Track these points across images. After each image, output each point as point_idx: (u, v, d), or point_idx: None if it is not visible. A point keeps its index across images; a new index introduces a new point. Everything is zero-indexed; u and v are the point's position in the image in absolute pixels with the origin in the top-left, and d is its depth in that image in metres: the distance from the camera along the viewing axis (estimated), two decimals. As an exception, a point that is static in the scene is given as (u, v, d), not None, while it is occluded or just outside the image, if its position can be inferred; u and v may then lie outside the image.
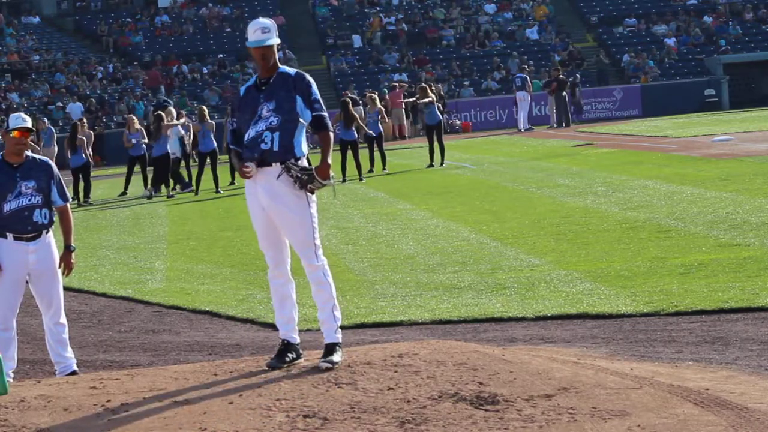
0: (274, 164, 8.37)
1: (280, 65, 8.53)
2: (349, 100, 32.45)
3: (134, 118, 32.80)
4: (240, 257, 17.91)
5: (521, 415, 7.22)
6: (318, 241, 8.46)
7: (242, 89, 8.63)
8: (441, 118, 33.59)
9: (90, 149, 31.61)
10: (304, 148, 8.49)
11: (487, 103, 54.24)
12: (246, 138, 8.44)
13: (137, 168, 31.48)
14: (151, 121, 31.10)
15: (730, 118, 44.04)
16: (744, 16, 60.94)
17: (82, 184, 30.39)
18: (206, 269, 17.05)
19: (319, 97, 8.49)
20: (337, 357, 8.36)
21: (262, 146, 8.34)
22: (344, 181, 29.53)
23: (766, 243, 14.67)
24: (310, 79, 8.54)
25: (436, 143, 32.22)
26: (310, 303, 13.20)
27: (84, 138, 30.67)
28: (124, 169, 32.85)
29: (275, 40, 8.44)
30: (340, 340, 8.50)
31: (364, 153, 32.08)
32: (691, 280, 12.82)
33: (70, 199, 10.21)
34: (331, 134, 8.54)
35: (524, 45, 60.09)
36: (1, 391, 8.28)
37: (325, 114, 8.50)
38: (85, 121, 34.79)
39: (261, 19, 8.57)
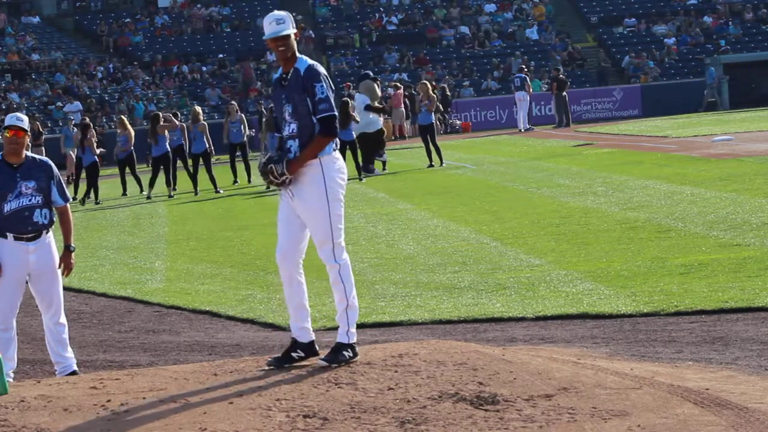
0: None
1: (299, 56, 8.40)
2: (348, 100, 32.47)
3: (124, 119, 32.83)
4: (240, 257, 17.90)
5: (521, 415, 7.22)
6: (339, 241, 8.37)
7: (274, 77, 8.61)
8: (434, 119, 33.54)
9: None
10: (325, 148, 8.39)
11: (487, 103, 54.27)
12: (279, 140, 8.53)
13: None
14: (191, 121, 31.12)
15: (730, 118, 44.04)
16: (744, 16, 60.95)
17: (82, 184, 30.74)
18: (206, 269, 17.04)
19: (326, 94, 8.29)
20: (341, 356, 8.33)
21: (289, 155, 8.33)
22: (362, 179, 29.55)
23: (766, 243, 14.66)
24: (318, 73, 8.32)
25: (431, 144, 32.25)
26: (309, 303, 13.21)
27: (93, 138, 30.94)
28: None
29: (290, 30, 8.32)
30: (350, 341, 8.43)
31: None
32: (691, 280, 12.82)
33: (71, 199, 10.21)
34: (327, 140, 8.27)
35: (524, 45, 60.12)
36: (1, 391, 8.28)
37: (330, 114, 8.27)
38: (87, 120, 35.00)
39: (275, 12, 8.49)
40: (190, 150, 30.71)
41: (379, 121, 31.44)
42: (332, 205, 8.36)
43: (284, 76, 8.39)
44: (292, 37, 8.32)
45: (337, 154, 8.43)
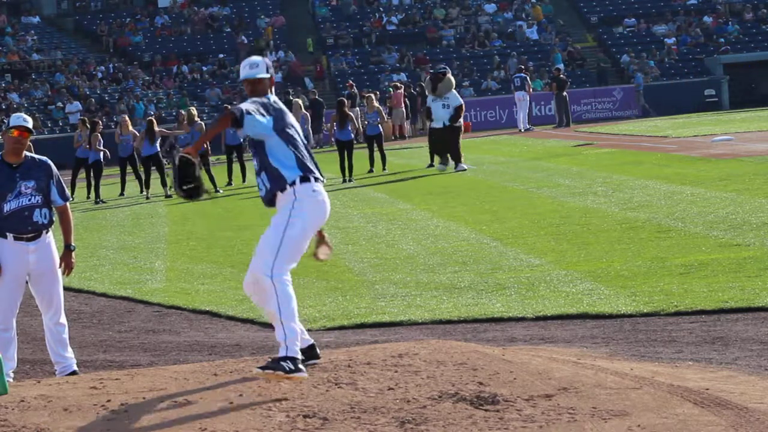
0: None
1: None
2: (343, 99, 32.43)
3: (127, 119, 32.97)
4: (240, 257, 17.89)
5: (521, 415, 7.22)
6: (283, 262, 8.21)
7: None
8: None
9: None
10: (285, 166, 8.25)
11: (487, 103, 54.25)
12: None
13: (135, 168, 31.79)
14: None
15: (730, 118, 44.04)
16: (744, 16, 60.96)
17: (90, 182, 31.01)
18: (206, 269, 17.04)
19: (243, 106, 8.15)
20: (278, 366, 7.93)
21: (260, 192, 8.52)
22: (345, 181, 29.56)
23: (766, 243, 14.67)
24: (252, 101, 8.28)
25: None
26: (309, 303, 13.22)
27: (98, 135, 31.14)
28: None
29: (263, 75, 8.40)
30: (288, 354, 8.01)
31: (363, 153, 32.10)
32: (691, 280, 12.82)
33: (71, 199, 10.21)
34: (225, 118, 8.16)
35: (524, 45, 60.13)
36: (1, 391, 8.29)
37: (235, 108, 8.14)
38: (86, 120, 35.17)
39: (252, 57, 8.64)
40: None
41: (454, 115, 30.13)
42: (290, 225, 8.22)
43: None
44: (265, 81, 8.42)
45: (317, 186, 8.26)
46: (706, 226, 16.45)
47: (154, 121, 31.89)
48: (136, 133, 31.66)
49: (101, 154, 30.87)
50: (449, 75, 31.34)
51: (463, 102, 31.09)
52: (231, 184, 31.71)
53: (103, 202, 30.20)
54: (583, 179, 24.62)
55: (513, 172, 28.27)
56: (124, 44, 60.64)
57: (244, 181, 32.00)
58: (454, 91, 30.66)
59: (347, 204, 24.14)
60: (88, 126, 31.84)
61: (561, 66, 53.95)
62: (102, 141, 31.31)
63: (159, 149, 30.66)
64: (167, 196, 29.93)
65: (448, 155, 30.15)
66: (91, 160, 30.98)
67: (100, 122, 32.99)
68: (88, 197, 31.14)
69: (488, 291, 13.35)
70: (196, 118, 31.21)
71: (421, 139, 40.48)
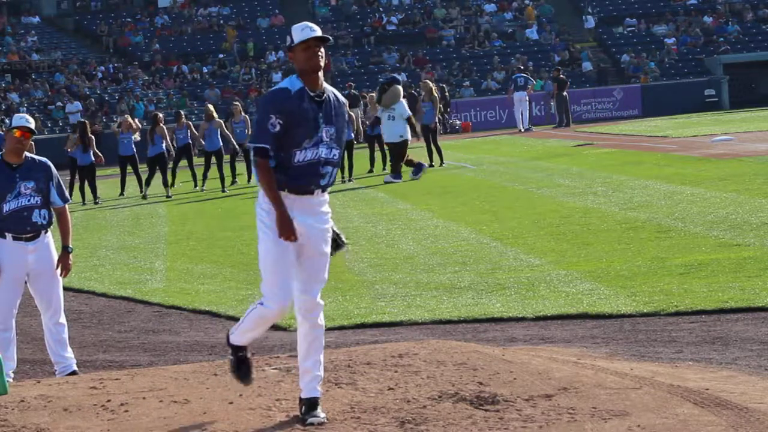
0: (316, 192, 7.37)
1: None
2: (348, 99, 32.27)
3: (129, 118, 32.81)
4: (240, 257, 17.90)
5: (521, 415, 7.22)
6: (266, 284, 7.63)
7: (292, 90, 7.29)
8: (436, 119, 33.26)
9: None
10: None
11: (487, 103, 54.26)
12: (300, 159, 7.26)
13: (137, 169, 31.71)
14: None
15: (730, 118, 44.04)
16: (744, 16, 60.96)
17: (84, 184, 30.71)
18: (206, 269, 17.04)
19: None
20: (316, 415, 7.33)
21: (322, 181, 7.34)
22: (345, 181, 29.56)
23: (766, 243, 14.66)
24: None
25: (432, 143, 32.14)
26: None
27: (93, 137, 30.91)
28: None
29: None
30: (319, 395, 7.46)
31: (363, 153, 32.07)
32: (691, 280, 12.81)
33: (70, 200, 10.22)
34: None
35: (524, 45, 60.14)
36: (1, 391, 8.29)
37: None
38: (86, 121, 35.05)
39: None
40: (203, 147, 30.80)
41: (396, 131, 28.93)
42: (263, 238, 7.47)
43: (314, 92, 7.31)
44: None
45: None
46: (706, 226, 16.45)
47: (159, 116, 31.40)
48: (139, 125, 31.47)
49: (91, 154, 30.41)
50: (397, 85, 29.81)
51: (410, 113, 29.36)
52: (235, 183, 31.69)
53: (98, 203, 30.05)
54: (583, 179, 24.61)
55: (513, 172, 28.27)
56: (124, 44, 60.65)
57: (249, 181, 31.86)
58: (402, 101, 29.17)
59: (347, 204, 24.14)
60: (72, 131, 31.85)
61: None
62: (93, 144, 31.06)
63: (164, 149, 30.35)
64: (167, 197, 29.91)
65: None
66: (85, 162, 30.54)
67: (87, 124, 32.37)
68: (84, 202, 30.84)
69: (488, 291, 13.35)
70: (215, 116, 31.09)
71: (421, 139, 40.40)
